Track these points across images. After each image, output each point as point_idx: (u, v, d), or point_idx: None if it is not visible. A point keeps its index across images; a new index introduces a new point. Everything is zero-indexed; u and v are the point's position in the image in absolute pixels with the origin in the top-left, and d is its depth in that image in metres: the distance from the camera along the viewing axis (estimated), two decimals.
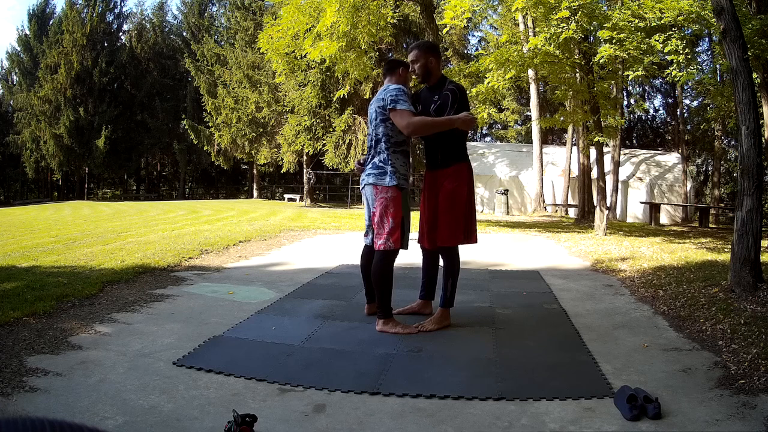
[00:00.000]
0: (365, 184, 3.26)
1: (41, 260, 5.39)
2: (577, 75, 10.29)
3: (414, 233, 3.83)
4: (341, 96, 14.23)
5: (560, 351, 2.89)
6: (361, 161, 3.37)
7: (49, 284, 4.12)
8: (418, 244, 3.48)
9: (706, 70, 15.40)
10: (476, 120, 3.11)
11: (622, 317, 3.61)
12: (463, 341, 3.06)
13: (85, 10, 28.72)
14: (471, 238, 3.28)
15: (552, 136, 26.27)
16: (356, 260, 3.71)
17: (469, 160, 3.35)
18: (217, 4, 31.52)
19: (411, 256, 5.02)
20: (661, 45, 7.85)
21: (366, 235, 3.43)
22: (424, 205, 3.36)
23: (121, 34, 31.54)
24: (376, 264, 3.20)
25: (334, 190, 27.68)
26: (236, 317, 3.51)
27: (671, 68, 8.09)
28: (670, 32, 7.96)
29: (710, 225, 14.38)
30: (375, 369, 2.61)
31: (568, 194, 17.34)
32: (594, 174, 12.18)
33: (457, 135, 3.28)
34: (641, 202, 16.71)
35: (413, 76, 3.37)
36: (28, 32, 30.33)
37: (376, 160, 3.21)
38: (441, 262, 3.41)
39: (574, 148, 15.71)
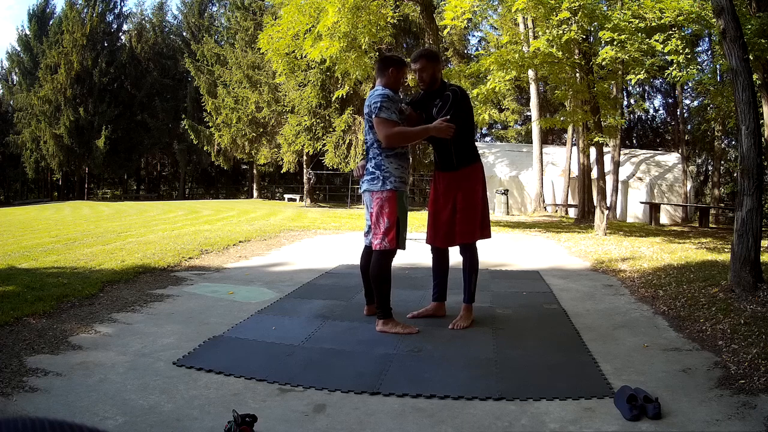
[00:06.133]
0: (363, 190, 3.33)
1: (41, 260, 5.39)
2: (577, 75, 10.28)
3: (417, 234, 3.83)
4: (341, 96, 14.21)
5: (560, 351, 2.89)
6: (362, 165, 3.39)
7: (49, 284, 4.12)
8: (429, 245, 3.52)
9: (706, 70, 15.37)
10: (452, 127, 3.09)
11: (622, 317, 3.61)
12: (463, 341, 3.06)
13: (85, 10, 28.68)
14: (486, 232, 3.41)
15: (552, 136, 26.24)
16: (356, 260, 3.71)
17: (480, 159, 3.44)
18: (217, 4, 31.53)
19: (411, 256, 5.03)
20: (661, 45, 7.85)
21: (366, 235, 3.44)
22: (437, 206, 3.40)
23: (121, 34, 31.52)
24: (374, 264, 3.22)
25: (334, 190, 27.65)
26: (236, 317, 3.51)
27: (671, 68, 8.09)
28: (670, 32, 7.96)
29: (710, 225, 14.36)
30: (375, 369, 2.61)
31: (568, 194, 17.33)
32: (594, 174, 12.16)
33: (468, 136, 3.33)
34: (641, 202, 16.71)
35: (420, 84, 3.37)
36: (28, 32, 30.30)
37: (369, 165, 3.25)
38: (449, 262, 3.53)
39: (574, 148, 15.71)
